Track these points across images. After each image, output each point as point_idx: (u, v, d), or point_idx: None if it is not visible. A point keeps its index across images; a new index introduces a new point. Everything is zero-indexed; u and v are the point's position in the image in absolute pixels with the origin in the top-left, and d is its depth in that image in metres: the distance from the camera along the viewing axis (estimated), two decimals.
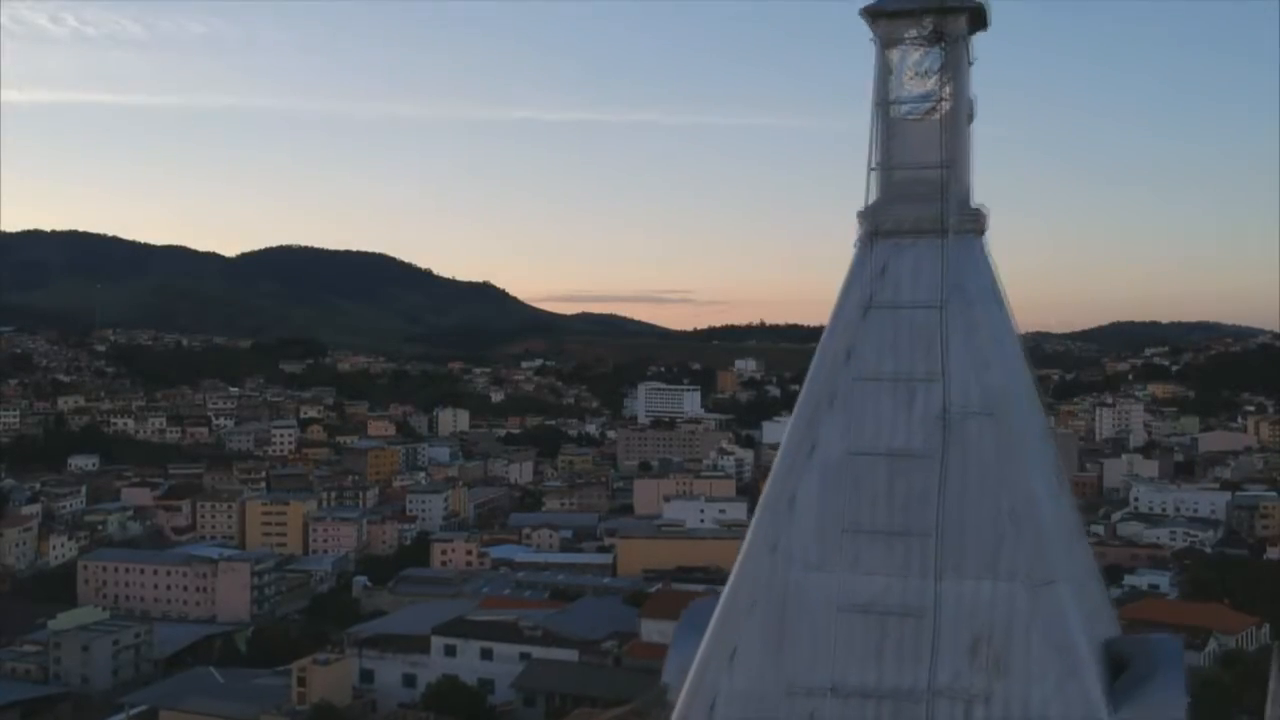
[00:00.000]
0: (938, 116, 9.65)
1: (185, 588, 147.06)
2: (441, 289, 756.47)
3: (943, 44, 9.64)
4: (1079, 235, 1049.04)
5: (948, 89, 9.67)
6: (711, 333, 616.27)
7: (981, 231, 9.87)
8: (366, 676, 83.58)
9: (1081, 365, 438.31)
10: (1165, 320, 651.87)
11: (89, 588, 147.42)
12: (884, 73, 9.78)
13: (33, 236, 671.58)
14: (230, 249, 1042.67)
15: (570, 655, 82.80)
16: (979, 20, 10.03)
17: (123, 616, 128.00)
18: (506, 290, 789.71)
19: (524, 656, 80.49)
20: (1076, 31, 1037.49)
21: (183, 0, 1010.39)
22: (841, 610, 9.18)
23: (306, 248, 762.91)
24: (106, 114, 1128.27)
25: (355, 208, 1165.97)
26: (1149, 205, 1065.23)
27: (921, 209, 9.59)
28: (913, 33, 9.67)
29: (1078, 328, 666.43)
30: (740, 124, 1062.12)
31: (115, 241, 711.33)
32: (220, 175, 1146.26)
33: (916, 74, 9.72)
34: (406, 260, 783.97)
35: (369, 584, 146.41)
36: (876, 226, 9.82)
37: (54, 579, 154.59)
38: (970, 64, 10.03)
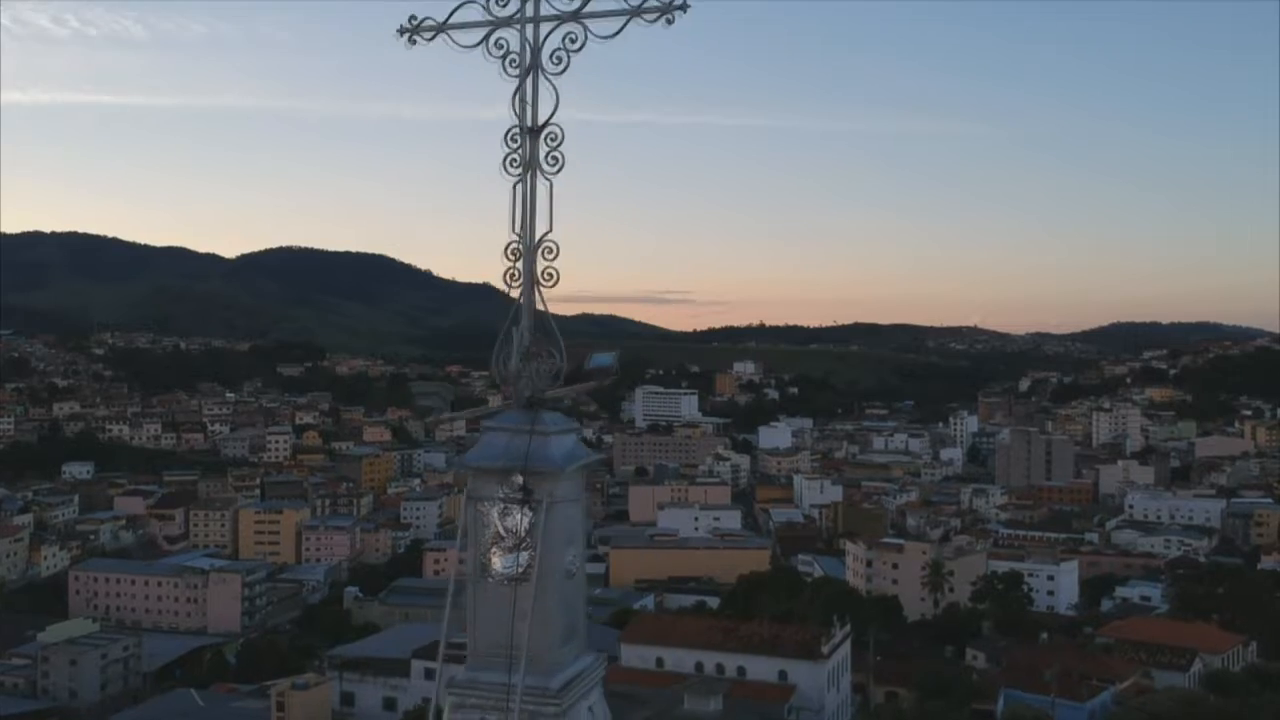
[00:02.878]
0: (524, 583, 8.86)
1: (176, 599, 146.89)
2: (441, 289, 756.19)
3: (531, 504, 8.87)
4: (1079, 235, 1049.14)
5: (535, 552, 8.86)
6: (711, 334, 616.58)
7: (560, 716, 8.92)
8: (347, 699, 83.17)
9: (1080, 367, 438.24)
10: (1165, 321, 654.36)
11: (80, 598, 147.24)
12: (476, 528, 9.04)
13: (33, 237, 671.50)
14: (230, 250, 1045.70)
15: None
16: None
17: (114, 628, 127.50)
18: (507, 291, 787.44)
19: None
20: (1078, 31, 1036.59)
21: (183, 0, 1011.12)
22: None
23: (306, 248, 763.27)
24: (106, 114, 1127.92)
25: (355, 208, 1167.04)
26: (1149, 205, 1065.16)
27: (501, 686, 8.87)
28: (500, 491, 8.98)
29: (1077, 328, 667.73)
30: (740, 124, 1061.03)
31: (115, 242, 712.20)
32: (220, 175, 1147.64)
33: (505, 532, 8.94)
34: (406, 260, 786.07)
35: (360, 595, 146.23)
36: (461, 700, 9.12)
37: (45, 589, 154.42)
38: (577, 501, 9.35)
